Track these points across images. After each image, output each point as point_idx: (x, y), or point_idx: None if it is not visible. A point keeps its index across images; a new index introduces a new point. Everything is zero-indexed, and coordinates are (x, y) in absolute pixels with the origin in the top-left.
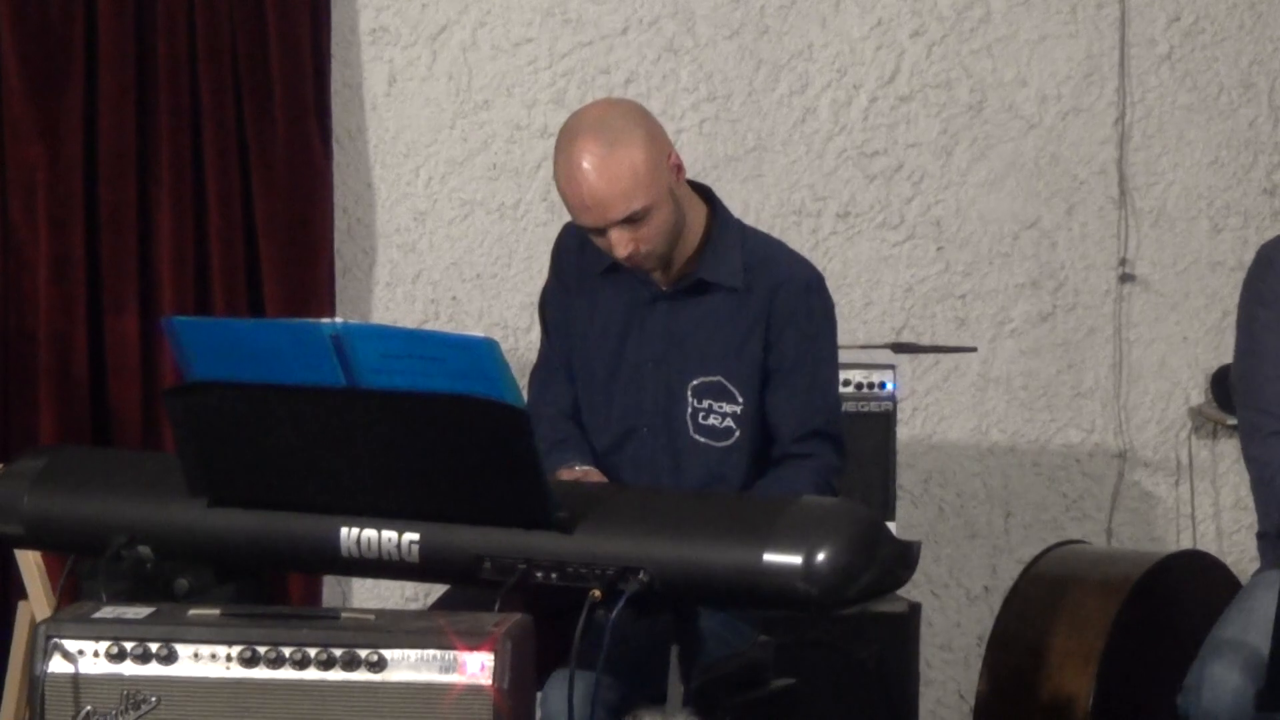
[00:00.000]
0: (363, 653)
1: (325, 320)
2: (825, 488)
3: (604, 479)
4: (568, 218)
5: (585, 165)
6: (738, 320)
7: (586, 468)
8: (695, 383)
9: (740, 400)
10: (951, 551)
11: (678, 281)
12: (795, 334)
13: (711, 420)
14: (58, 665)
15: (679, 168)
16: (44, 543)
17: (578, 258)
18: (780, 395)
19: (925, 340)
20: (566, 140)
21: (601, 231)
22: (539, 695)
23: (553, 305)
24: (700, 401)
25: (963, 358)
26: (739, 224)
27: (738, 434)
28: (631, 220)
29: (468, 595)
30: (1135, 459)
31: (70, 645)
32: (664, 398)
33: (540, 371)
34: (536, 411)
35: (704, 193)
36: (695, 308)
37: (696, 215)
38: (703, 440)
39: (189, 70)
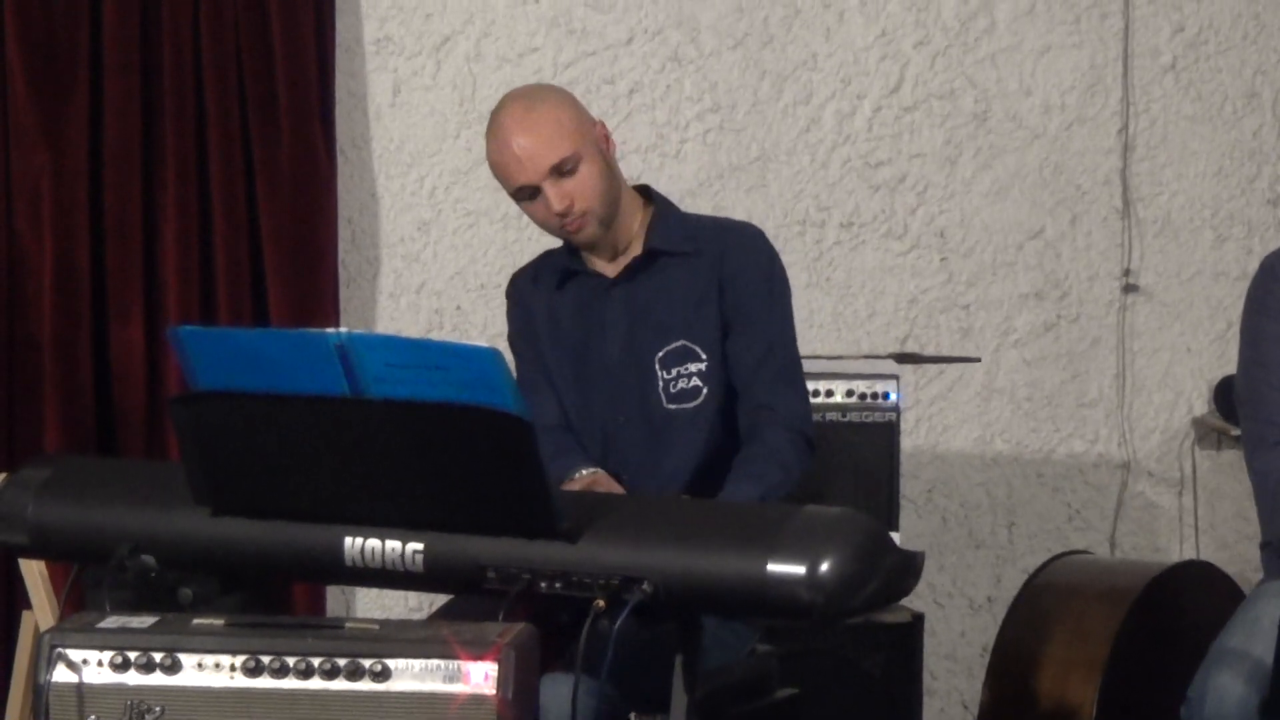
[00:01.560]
0: (367, 662)
1: (330, 330)
2: (800, 440)
3: (613, 481)
4: None
5: (509, 124)
6: (693, 282)
7: (594, 470)
8: (661, 354)
9: (704, 357)
10: (955, 561)
11: (628, 264)
12: (748, 285)
13: (680, 385)
14: (62, 675)
15: (608, 138)
16: (48, 552)
17: (530, 292)
18: (739, 344)
19: (929, 350)
20: (495, 111)
21: (535, 192)
22: None
23: (520, 339)
24: (669, 371)
25: (966, 368)
26: (679, 210)
27: (705, 391)
28: (561, 172)
29: (468, 604)
30: (1139, 469)
31: (74, 655)
32: (637, 383)
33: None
34: None
35: (644, 191)
36: (649, 282)
37: (634, 203)
38: (675, 407)
39: (194, 78)
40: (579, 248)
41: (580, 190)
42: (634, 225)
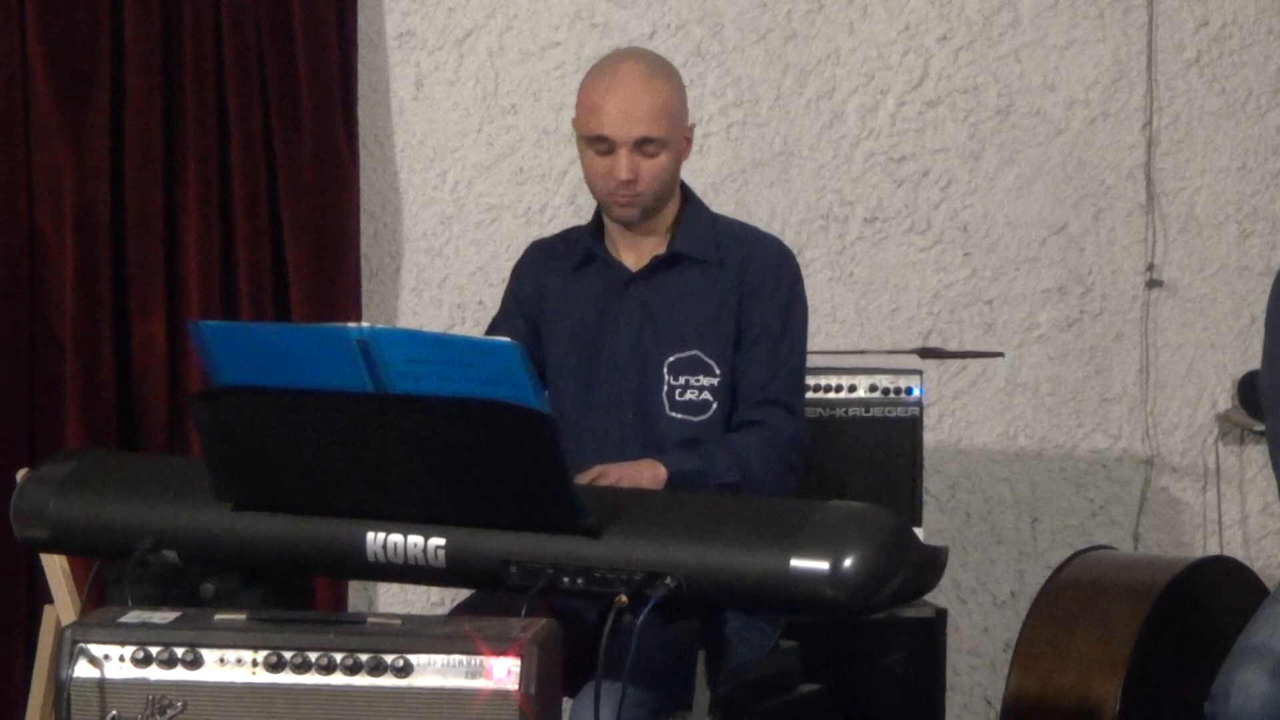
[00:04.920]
0: (388, 658)
1: (352, 325)
2: (777, 459)
3: None
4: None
5: (627, 76)
6: (712, 292)
7: None
8: (671, 359)
9: (718, 373)
10: (978, 557)
11: (650, 261)
12: (765, 303)
13: (689, 395)
14: (83, 670)
15: (690, 141)
16: (70, 547)
17: (544, 269)
18: (745, 360)
19: (952, 345)
20: (610, 59)
21: (611, 148)
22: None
23: (517, 308)
24: (677, 378)
25: (990, 363)
26: (708, 209)
27: (714, 406)
28: (644, 148)
29: (489, 599)
30: (1162, 464)
31: (96, 650)
32: (641, 382)
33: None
34: None
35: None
36: (669, 283)
37: (675, 198)
38: (679, 417)
39: (215, 74)
40: (615, 221)
41: (649, 173)
42: (668, 217)
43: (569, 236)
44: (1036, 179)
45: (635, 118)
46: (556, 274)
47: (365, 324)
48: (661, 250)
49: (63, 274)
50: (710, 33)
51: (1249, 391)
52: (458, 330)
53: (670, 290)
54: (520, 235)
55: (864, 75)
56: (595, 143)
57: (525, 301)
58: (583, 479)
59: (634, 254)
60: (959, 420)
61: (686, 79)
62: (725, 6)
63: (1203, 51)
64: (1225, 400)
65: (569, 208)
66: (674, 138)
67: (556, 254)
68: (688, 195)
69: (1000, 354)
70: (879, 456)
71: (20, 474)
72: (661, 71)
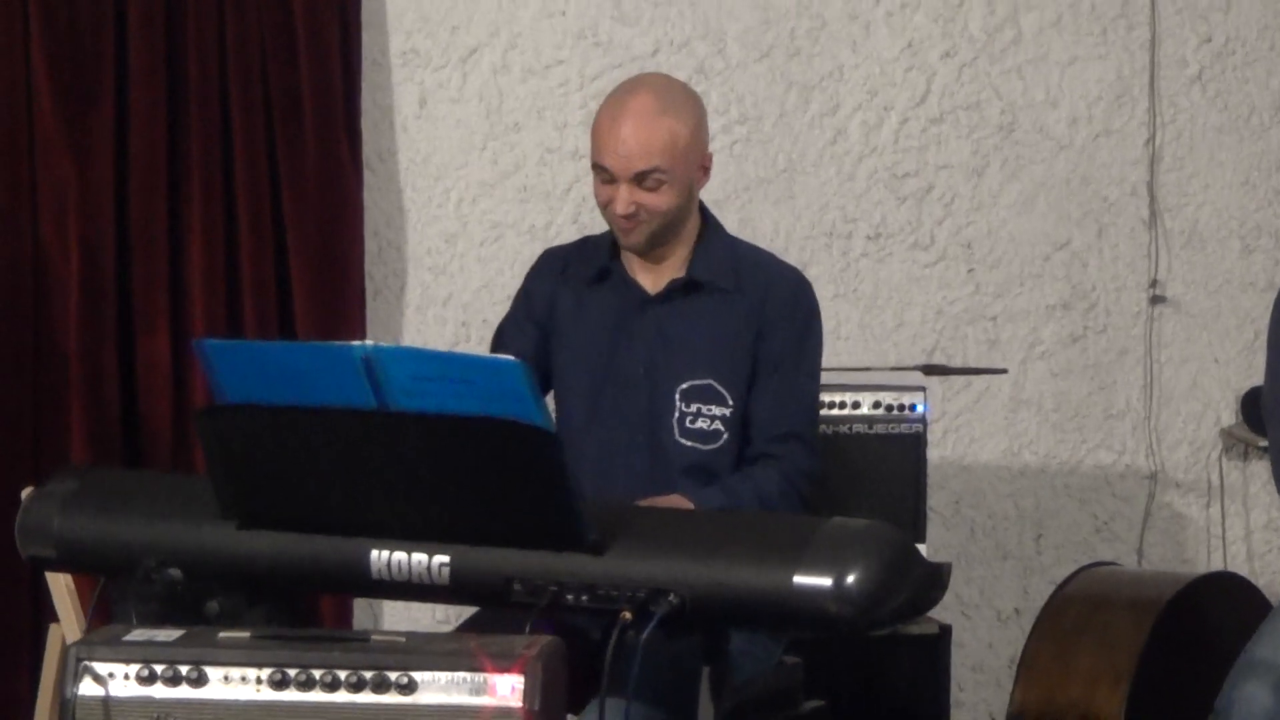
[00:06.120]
0: (393, 675)
1: (356, 342)
2: (792, 491)
3: None
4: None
5: (632, 108)
6: (728, 320)
7: None
8: (684, 386)
9: (730, 403)
10: (983, 573)
11: (668, 285)
12: (781, 335)
13: (700, 424)
14: (88, 688)
15: (707, 171)
16: (75, 565)
17: (559, 278)
18: (760, 393)
19: (956, 362)
20: (628, 85)
21: (612, 180)
22: None
23: (528, 316)
24: (689, 405)
25: (994, 379)
26: (728, 234)
27: (725, 437)
28: (644, 181)
29: (496, 616)
30: (1166, 480)
31: (101, 668)
32: (651, 406)
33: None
34: None
35: (699, 206)
36: (685, 309)
37: (694, 222)
38: (689, 444)
39: (219, 91)
40: (623, 247)
41: (649, 204)
42: (686, 243)
43: (585, 247)
44: (1040, 195)
45: (634, 154)
46: (571, 285)
47: (369, 341)
48: (680, 274)
49: (67, 289)
50: (714, 50)
51: (1253, 407)
52: (462, 348)
53: (687, 316)
54: (524, 253)
55: (867, 92)
56: (599, 171)
57: (537, 308)
58: None
59: (651, 276)
60: (963, 436)
61: None
62: (728, 24)
63: (1205, 67)
64: (1229, 416)
65: (573, 225)
66: (680, 171)
67: (572, 264)
68: (707, 218)
69: (1004, 370)
70: (883, 473)
71: (25, 492)
72: (672, 106)
